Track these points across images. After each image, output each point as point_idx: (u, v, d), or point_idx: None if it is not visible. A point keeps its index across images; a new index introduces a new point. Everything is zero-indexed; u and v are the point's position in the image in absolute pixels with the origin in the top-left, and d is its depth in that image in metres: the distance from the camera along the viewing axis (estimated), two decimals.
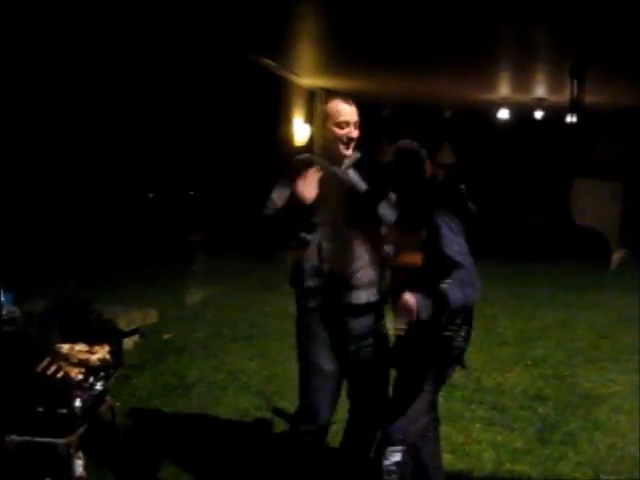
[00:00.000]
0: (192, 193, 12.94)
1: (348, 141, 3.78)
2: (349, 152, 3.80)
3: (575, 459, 4.77)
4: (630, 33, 8.56)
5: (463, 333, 3.56)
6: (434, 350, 3.53)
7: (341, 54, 11.26)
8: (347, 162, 3.83)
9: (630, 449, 4.94)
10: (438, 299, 3.38)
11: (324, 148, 3.86)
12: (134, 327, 7.13)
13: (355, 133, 3.79)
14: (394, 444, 3.53)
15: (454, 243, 3.48)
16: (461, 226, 3.57)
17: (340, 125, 3.77)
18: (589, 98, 11.61)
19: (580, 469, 4.63)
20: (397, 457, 3.50)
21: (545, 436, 5.13)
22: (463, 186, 3.79)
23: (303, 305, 3.87)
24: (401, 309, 3.42)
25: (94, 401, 3.94)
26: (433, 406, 3.74)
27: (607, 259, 12.91)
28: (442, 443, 3.95)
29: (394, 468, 3.50)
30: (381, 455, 3.57)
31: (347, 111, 3.81)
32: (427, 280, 3.45)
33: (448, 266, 3.42)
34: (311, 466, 3.91)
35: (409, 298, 3.38)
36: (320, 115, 3.90)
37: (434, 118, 18.60)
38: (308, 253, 3.75)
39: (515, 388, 6.16)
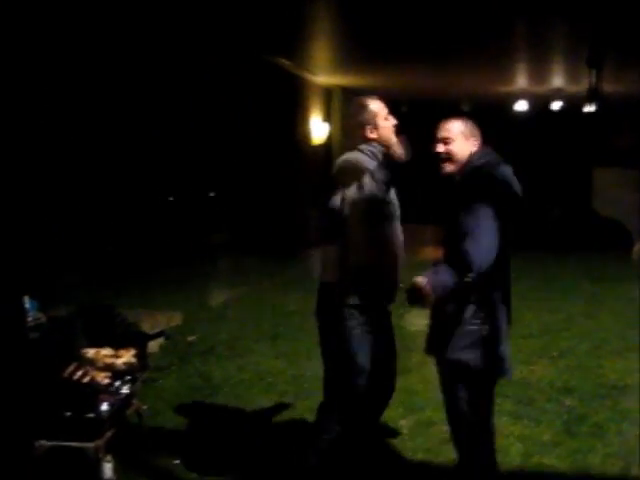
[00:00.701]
0: (212, 195, 13.01)
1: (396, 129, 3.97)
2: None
3: (604, 451, 4.73)
4: None
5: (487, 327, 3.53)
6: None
7: (356, 51, 11.25)
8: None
9: None
10: (460, 262, 3.37)
11: (383, 144, 3.89)
12: (159, 330, 7.15)
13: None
14: None
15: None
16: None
17: (387, 118, 3.99)
18: (607, 87, 11.53)
19: (609, 461, 4.60)
20: None
21: (573, 428, 5.11)
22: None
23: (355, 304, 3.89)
24: (412, 294, 3.38)
25: (121, 405, 3.97)
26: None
27: (629, 249, 12.82)
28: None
29: None
30: None
31: (384, 106, 4.04)
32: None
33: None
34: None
35: (417, 279, 3.34)
36: (362, 121, 4.00)
37: (452, 112, 18.50)
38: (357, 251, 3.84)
39: (541, 380, 6.13)
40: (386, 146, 3.81)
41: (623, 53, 10.60)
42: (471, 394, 3.59)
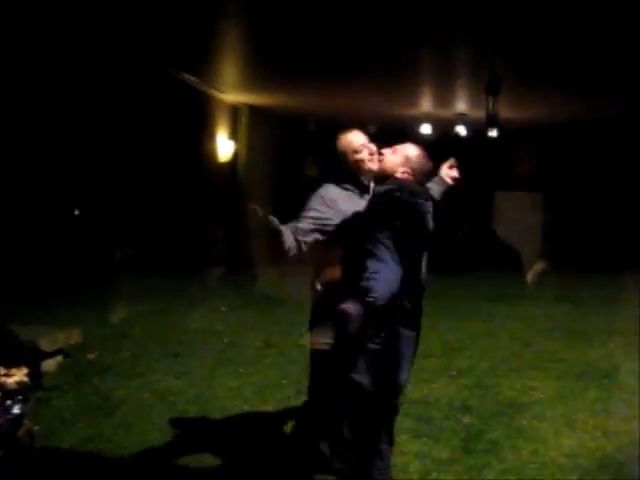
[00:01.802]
0: (116, 210, 12.78)
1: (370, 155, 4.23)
2: (374, 166, 4.15)
3: (499, 467, 4.83)
4: (543, 50, 8.81)
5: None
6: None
7: (264, 69, 11.31)
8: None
9: (551, 454, 5.03)
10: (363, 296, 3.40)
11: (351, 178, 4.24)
12: (57, 348, 6.96)
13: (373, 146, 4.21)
14: None
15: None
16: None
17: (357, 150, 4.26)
18: (507, 113, 11.91)
19: (504, 477, 4.69)
20: None
21: (470, 445, 5.19)
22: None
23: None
24: (342, 318, 3.38)
25: (11, 425, 3.84)
26: None
27: (519, 271, 13.25)
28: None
29: None
30: None
31: (358, 137, 4.33)
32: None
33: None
34: None
35: (348, 306, 3.36)
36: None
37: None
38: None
39: (441, 399, 6.23)
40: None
41: (522, 79, 10.97)
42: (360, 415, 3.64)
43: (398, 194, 3.62)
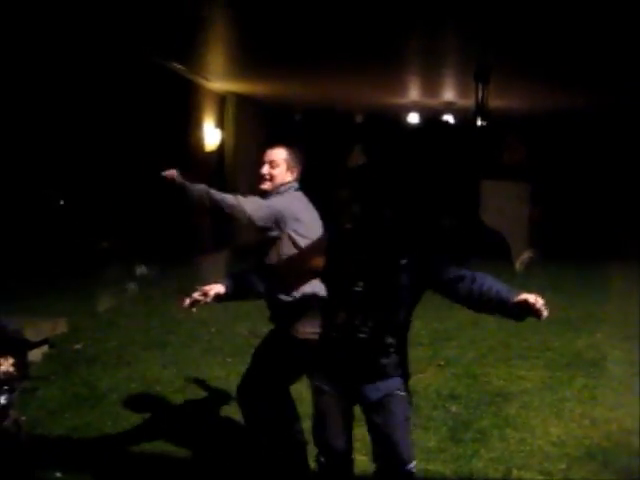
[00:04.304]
0: (102, 199, 12.69)
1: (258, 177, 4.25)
2: (263, 186, 4.22)
3: (487, 456, 4.84)
4: (532, 38, 8.80)
5: None
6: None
7: (251, 58, 11.26)
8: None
9: (539, 443, 5.05)
10: None
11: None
12: (42, 338, 6.92)
13: (263, 169, 4.22)
14: None
15: None
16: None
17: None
18: (495, 102, 11.90)
19: (492, 465, 4.71)
20: None
21: (458, 434, 5.20)
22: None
23: None
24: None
25: None
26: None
27: (509, 260, 13.23)
28: (358, 445, 3.94)
29: None
30: None
31: (266, 151, 4.29)
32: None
33: None
34: None
35: None
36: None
37: (346, 122, 18.75)
38: None
39: (428, 388, 6.23)
40: None
41: (510, 69, 10.96)
42: None
43: None
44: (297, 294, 4.00)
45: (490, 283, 3.37)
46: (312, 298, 3.94)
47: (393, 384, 3.40)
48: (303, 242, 3.98)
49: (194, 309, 3.51)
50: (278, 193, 4.16)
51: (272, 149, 4.25)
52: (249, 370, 4.33)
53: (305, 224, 4.08)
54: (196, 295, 3.46)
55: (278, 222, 4.01)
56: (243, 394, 4.29)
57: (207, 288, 3.49)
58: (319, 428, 3.52)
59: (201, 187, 4.00)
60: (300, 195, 4.26)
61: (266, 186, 4.18)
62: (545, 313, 3.20)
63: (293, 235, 4.02)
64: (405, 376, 3.48)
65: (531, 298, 3.22)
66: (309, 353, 3.72)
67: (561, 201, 17.65)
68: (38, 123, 10.19)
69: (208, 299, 3.48)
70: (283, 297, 4.05)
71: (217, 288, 3.51)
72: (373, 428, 3.44)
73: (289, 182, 4.23)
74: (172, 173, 4.06)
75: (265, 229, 4.03)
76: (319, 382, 3.50)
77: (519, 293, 3.26)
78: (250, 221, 3.96)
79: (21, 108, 9.77)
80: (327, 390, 3.46)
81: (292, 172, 4.25)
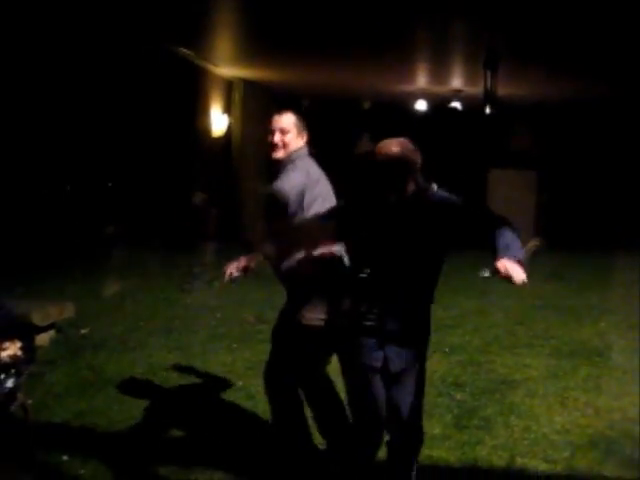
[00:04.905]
0: (110, 185, 12.71)
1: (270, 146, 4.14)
2: (276, 155, 4.12)
3: (491, 443, 4.85)
4: (540, 26, 8.76)
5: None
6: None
7: (259, 43, 11.23)
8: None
9: (543, 431, 5.06)
10: None
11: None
12: (50, 322, 6.94)
13: (275, 137, 4.10)
14: None
15: None
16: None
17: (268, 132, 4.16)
18: (503, 90, 11.86)
19: (496, 453, 4.72)
20: None
21: (462, 422, 5.22)
22: None
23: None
24: None
25: (4, 399, 3.83)
26: None
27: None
28: None
29: None
30: None
31: (274, 119, 4.16)
32: None
33: None
34: None
35: None
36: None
37: (353, 109, 18.69)
38: None
39: (433, 375, 6.22)
40: None
41: (518, 57, 10.92)
42: None
43: None
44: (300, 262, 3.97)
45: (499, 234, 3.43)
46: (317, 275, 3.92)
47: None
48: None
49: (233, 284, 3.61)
50: (292, 161, 4.10)
51: (280, 115, 4.17)
52: (270, 357, 4.29)
53: (322, 196, 4.06)
54: (235, 271, 3.57)
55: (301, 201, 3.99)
56: (268, 381, 4.26)
57: (243, 263, 3.56)
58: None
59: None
60: (312, 161, 4.21)
61: (280, 154, 4.10)
62: (516, 280, 3.23)
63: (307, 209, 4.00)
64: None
65: (500, 266, 3.25)
66: (315, 339, 3.74)
67: (568, 190, 17.61)
68: (46, 110, 10.21)
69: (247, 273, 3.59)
70: (287, 264, 4.02)
71: (250, 261, 3.58)
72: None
73: (301, 147, 4.16)
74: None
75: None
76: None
77: (506, 255, 3.27)
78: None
79: (31, 95, 9.78)
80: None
81: (302, 136, 4.18)
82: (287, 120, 4.14)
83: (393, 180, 3.48)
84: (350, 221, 3.61)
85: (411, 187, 3.50)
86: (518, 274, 3.21)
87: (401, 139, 3.55)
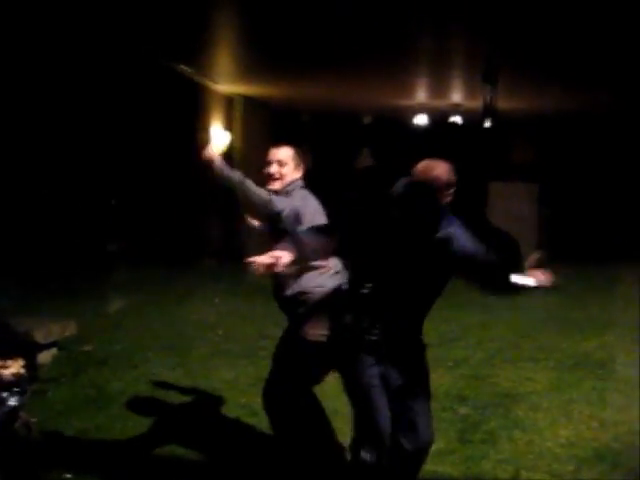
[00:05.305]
0: (114, 202, 12.72)
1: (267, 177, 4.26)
2: (272, 186, 4.22)
3: (496, 457, 4.84)
4: (540, 39, 8.79)
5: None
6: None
7: (258, 61, 11.27)
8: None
9: (548, 444, 5.05)
10: None
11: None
12: (52, 340, 6.93)
13: (272, 169, 4.22)
14: None
15: None
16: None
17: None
18: (503, 103, 11.88)
19: (500, 467, 4.70)
20: None
21: (466, 436, 5.20)
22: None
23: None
24: None
25: (7, 417, 3.82)
26: None
27: (519, 261, 13.18)
28: None
29: None
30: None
31: (272, 151, 4.28)
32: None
33: None
34: None
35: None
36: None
37: (353, 124, 18.75)
38: None
39: (437, 390, 6.17)
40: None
41: (518, 70, 10.95)
42: None
43: None
44: (297, 288, 4.01)
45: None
46: (315, 294, 3.95)
47: None
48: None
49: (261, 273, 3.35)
50: (287, 192, 4.16)
51: (277, 148, 4.27)
52: (270, 374, 4.32)
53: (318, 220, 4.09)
54: (267, 260, 3.34)
55: (298, 219, 4.02)
56: (268, 399, 4.28)
57: (278, 253, 3.36)
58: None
59: (237, 173, 4.18)
60: (308, 193, 4.27)
61: (276, 185, 4.19)
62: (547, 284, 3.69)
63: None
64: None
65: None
66: (320, 354, 3.74)
67: (570, 202, 17.61)
68: (46, 126, 10.23)
69: (278, 268, 3.36)
70: (286, 292, 4.07)
71: (284, 255, 3.38)
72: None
73: (297, 179, 4.24)
74: (212, 154, 4.19)
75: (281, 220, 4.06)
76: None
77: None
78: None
79: (31, 112, 9.81)
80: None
81: (299, 170, 4.27)
82: (285, 153, 4.24)
83: (433, 203, 3.49)
84: (352, 236, 3.61)
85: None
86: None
87: (442, 162, 3.67)
